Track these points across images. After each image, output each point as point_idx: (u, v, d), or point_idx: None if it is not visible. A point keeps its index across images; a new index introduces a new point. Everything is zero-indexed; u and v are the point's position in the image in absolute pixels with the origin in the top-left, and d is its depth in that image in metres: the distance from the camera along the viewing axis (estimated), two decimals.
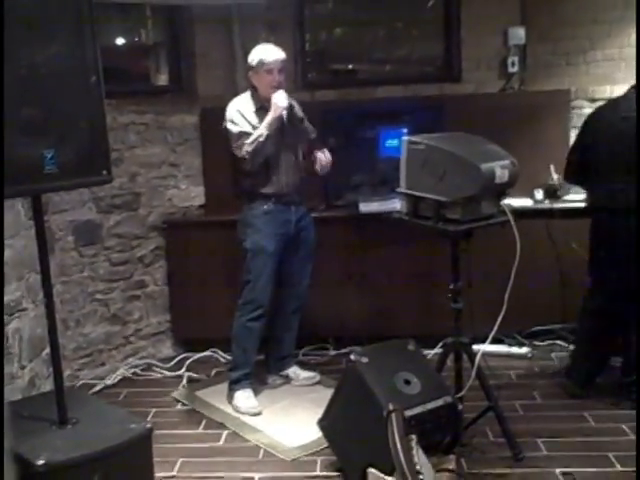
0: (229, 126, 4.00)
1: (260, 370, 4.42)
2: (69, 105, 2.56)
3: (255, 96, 4.07)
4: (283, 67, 4.02)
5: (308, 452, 3.60)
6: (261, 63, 3.97)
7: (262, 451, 3.65)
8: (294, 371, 4.46)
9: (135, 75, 5.32)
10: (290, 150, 4.08)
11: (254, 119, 4.00)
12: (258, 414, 4.04)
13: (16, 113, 2.37)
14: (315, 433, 3.57)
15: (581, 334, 4.20)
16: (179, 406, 4.25)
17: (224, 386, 4.29)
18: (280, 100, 3.91)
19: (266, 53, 3.99)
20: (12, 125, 2.34)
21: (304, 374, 4.45)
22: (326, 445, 3.49)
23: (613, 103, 4.02)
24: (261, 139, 3.89)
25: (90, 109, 2.63)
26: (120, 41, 5.22)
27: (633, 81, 3.95)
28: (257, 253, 4.05)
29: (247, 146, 3.90)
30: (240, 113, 4.01)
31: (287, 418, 4.00)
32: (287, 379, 4.45)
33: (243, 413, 4.04)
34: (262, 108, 4.02)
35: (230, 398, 4.16)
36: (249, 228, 4.07)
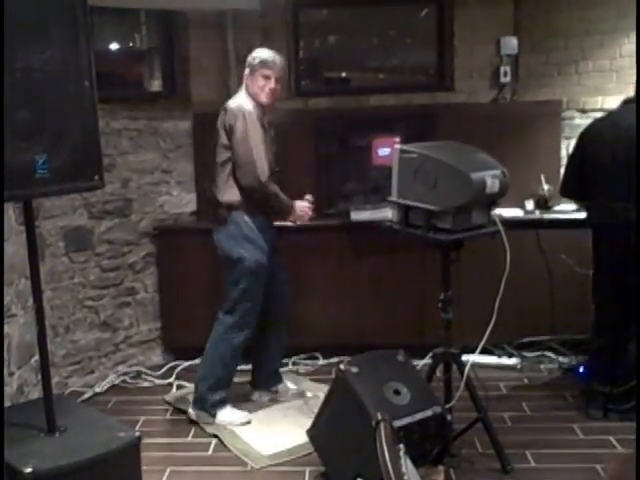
0: (249, 134, 3.81)
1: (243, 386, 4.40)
2: (62, 110, 2.54)
3: (251, 96, 3.94)
4: (281, 76, 3.96)
5: (293, 458, 3.61)
6: (261, 65, 3.88)
7: (250, 461, 3.64)
8: (284, 385, 4.38)
9: (128, 80, 5.32)
10: (275, 158, 4.02)
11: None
12: (249, 422, 4.02)
13: (9, 117, 2.36)
14: (303, 441, 3.57)
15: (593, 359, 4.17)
16: (168, 415, 4.24)
17: None
18: (305, 216, 4.06)
19: (269, 57, 3.91)
20: (5, 129, 2.33)
21: (293, 389, 4.40)
22: (311, 451, 3.49)
23: (608, 117, 4.01)
24: (277, 203, 3.93)
25: (83, 114, 2.62)
26: (114, 46, 5.21)
27: (624, 93, 3.97)
28: (259, 273, 3.90)
29: (274, 191, 3.89)
30: (256, 122, 3.85)
31: (276, 427, 3.99)
32: (275, 394, 4.35)
33: (235, 426, 3.99)
34: (260, 108, 3.93)
35: (211, 417, 4.02)
36: (249, 244, 3.88)
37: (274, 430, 3.95)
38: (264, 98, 3.91)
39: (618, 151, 3.72)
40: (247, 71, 3.97)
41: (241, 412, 4.08)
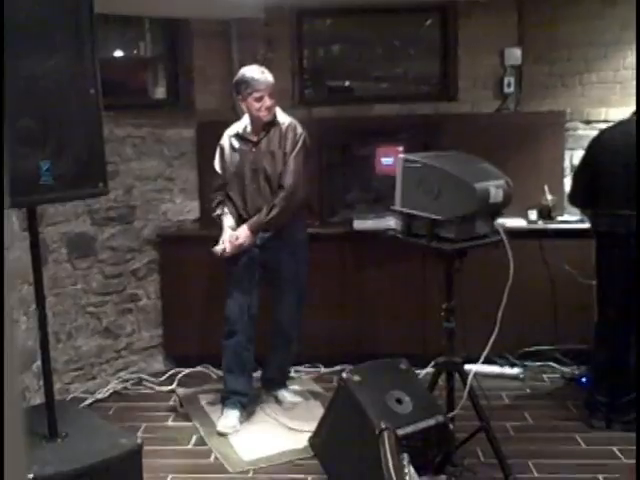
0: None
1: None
2: (67, 117, 2.56)
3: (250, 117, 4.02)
4: (272, 91, 3.92)
5: (294, 465, 3.61)
6: (249, 90, 3.87)
7: (252, 469, 3.63)
8: (282, 393, 4.39)
9: (133, 88, 5.33)
10: (257, 175, 4.00)
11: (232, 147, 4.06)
12: (231, 433, 4.00)
13: (13, 124, 2.37)
14: (303, 448, 3.58)
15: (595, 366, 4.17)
16: (170, 421, 4.23)
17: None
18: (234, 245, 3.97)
19: (253, 79, 3.87)
20: (9, 136, 2.34)
21: (291, 399, 4.39)
22: (311, 458, 3.48)
23: (619, 126, 3.99)
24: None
25: (88, 121, 2.63)
26: (118, 54, 5.23)
27: (628, 104, 3.97)
28: (228, 272, 4.07)
29: (217, 208, 4.12)
30: (225, 143, 4.08)
31: (274, 434, 3.99)
32: (274, 398, 4.40)
33: (226, 429, 4.02)
34: (241, 136, 4.05)
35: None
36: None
37: (272, 436, 3.95)
38: (264, 118, 3.95)
39: (630, 159, 3.71)
40: (239, 97, 3.97)
41: (231, 421, 4.06)
